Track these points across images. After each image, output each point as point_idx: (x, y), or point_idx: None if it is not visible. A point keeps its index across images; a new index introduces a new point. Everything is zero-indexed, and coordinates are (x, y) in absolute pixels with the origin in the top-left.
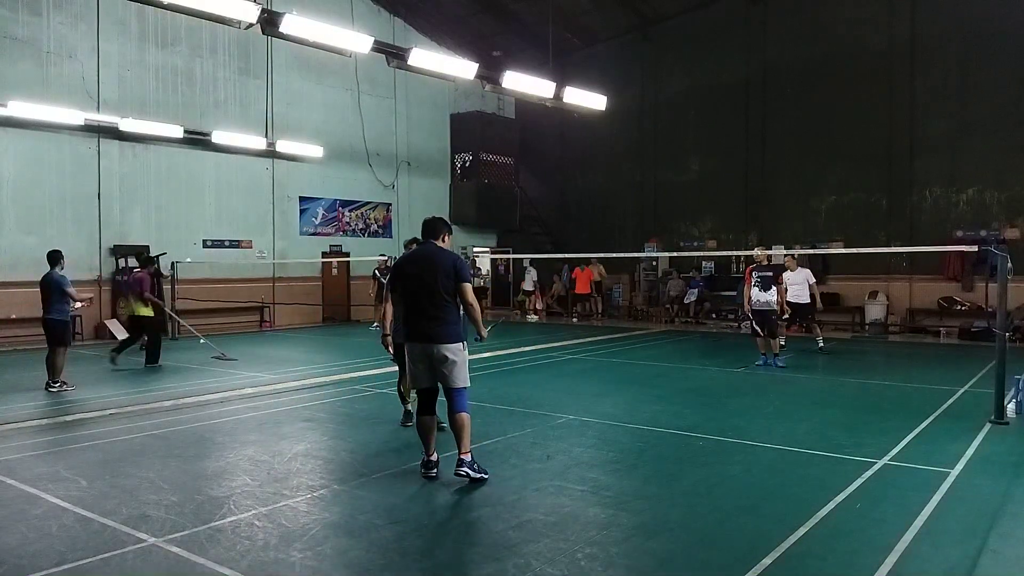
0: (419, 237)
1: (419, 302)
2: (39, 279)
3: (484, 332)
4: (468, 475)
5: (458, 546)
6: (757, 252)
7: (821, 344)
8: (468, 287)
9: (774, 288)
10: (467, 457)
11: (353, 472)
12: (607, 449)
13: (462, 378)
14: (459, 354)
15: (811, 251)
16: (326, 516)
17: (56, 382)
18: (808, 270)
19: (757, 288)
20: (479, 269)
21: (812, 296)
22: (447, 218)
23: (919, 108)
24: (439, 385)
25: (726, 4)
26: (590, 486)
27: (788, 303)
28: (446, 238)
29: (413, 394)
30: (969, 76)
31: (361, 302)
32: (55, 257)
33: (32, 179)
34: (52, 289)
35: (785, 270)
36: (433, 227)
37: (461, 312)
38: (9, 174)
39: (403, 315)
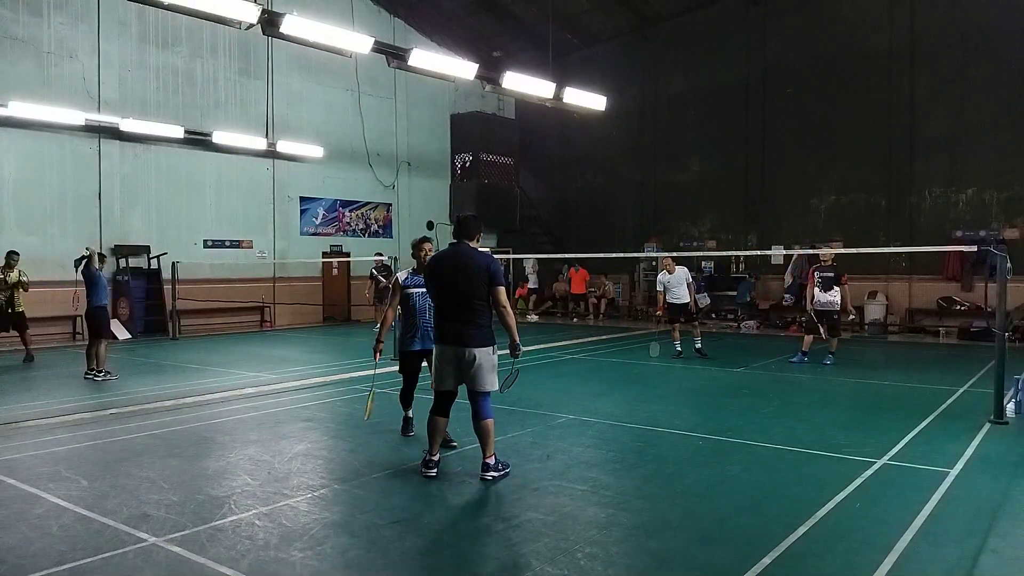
0: (428, 236)
1: (450, 304)
2: (40, 279)
3: (518, 339)
4: (494, 478)
5: (458, 546)
6: (823, 251)
7: (699, 344)
8: (502, 291)
9: (836, 288)
10: (491, 461)
11: (353, 472)
12: (607, 449)
13: (490, 382)
14: (488, 358)
15: (811, 251)
16: (326, 516)
17: (96, 371)
18: (686, 270)
19: (819, 288)
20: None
21: (692, 296)
22: (447, 218)
23: (919, 108)
24: (457, 390)
25: (726, 4)
26: (590, 486)
27: (668, 304)
28: (479, 239)
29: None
30: (969, 76)
31: (362, 302)
32: (100, 257)
33: (33, 179)
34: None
35: (828, 269)
36: (467, 226)
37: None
38: (10, 174)
39: (434, 317)
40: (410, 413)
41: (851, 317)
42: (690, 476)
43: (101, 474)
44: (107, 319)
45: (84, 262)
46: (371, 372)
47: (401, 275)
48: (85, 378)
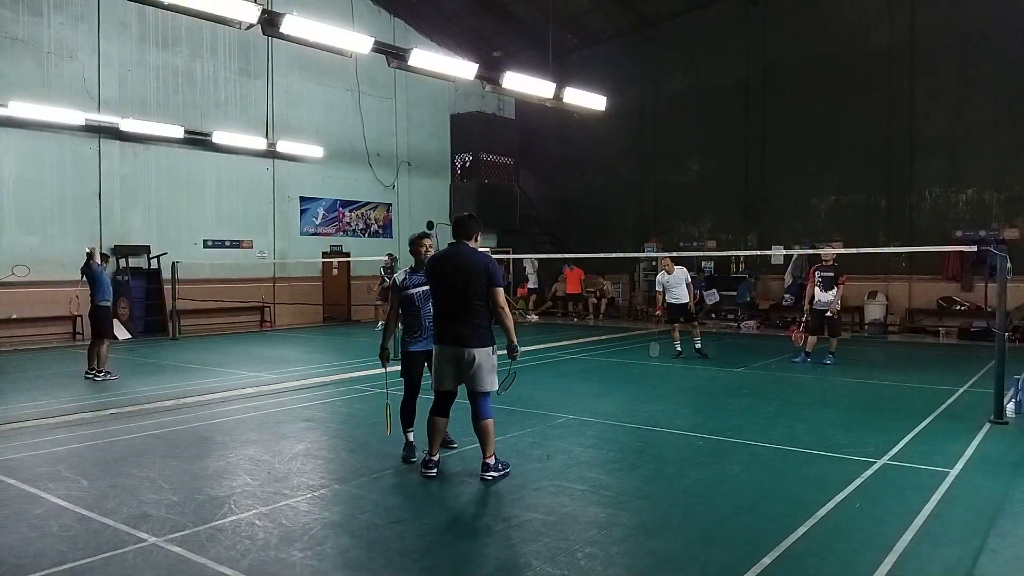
0: (427, 231)
1: (449, 304)
2: (40, 279)
3: (516, 340)
4: (494, 478)
5: (458, 546)
6: (826, 251)
7: (698, 345)
8: (500, 291)
9: (835, 288)
10: (491, 461)
11: (353, 472)
12: (607, 449)
13: (489, 382)
14: (488, 358)
15: (811, 251)
16: (326, 516)
17: (97, 370)
18: (685, 270)
19: (819, 288)
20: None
21: (691, 296)
22: (447, 219)
23: (919, 108)
24: (457, 390)
25: (726, 4)
26: (590, 486)
27: (667, 304)
28: (478, 238)
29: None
30: (969, 76)
31: (361, 302)
32: (102, 256)
33: (33, 179)
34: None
35: (829, 270)
36: (466, 226)
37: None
38: (10, 174)
39: (433, 317)
40: (411, 436)
41: (829, 314)
42: (690, 476)
43: (101, 474)
44: (109, 319)
45: (85, 262)
46: (371, 372)
47: (399, 275)
48: (85, 378)
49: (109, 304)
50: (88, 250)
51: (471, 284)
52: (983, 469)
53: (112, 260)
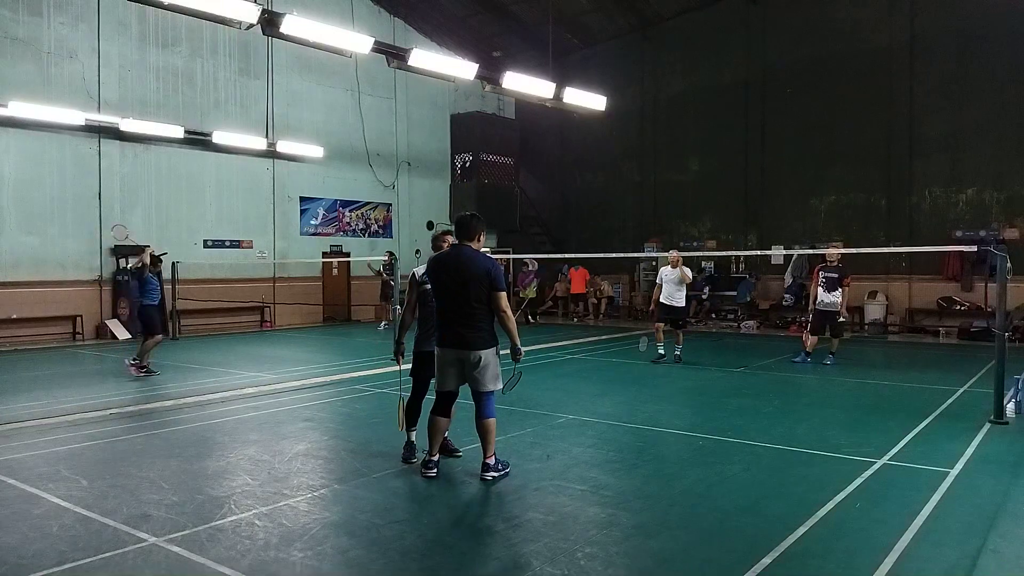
0: (449, 229)
1: (451, 307)
2: (40, 279)
3: (519, 343)
4: (494, 478)
5: (458, 546)
6: (830, 251)
7: (678, 352)
8: (502, 296)
9: (839, 290)
10: (491, 461)
11: (353, 472)
12: (607, 449)
13: (492, 382)
14: (491, 358)
15: (811, 251)
16: (326, 516)
17: (139, 364)
18: (689, 274)
19: (822, 288)
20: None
21: (687, 297)
22: (447, 219)
23: (919, 108)
24: (459, 390)
25: (726, 4)
26: (590, 486)
27: (660, 303)
28: (481, 238)
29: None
30: (969, 76)
31: (361, 302)
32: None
33: (33, 179)
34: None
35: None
36: (468, 226)
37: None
38: (10, 174)
39: (435, 319)
40: (413, 436)
41: (842, 320)
42: (690, 476)
43: (101, 474)
44: (154, 317)
45: (139, 266)
46: (371, 372)
47: (418, 270)
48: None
49: (155, 303)
50: (148, 255)
51: (471, 287)
52: (983, 469)
53: (111, 261)
